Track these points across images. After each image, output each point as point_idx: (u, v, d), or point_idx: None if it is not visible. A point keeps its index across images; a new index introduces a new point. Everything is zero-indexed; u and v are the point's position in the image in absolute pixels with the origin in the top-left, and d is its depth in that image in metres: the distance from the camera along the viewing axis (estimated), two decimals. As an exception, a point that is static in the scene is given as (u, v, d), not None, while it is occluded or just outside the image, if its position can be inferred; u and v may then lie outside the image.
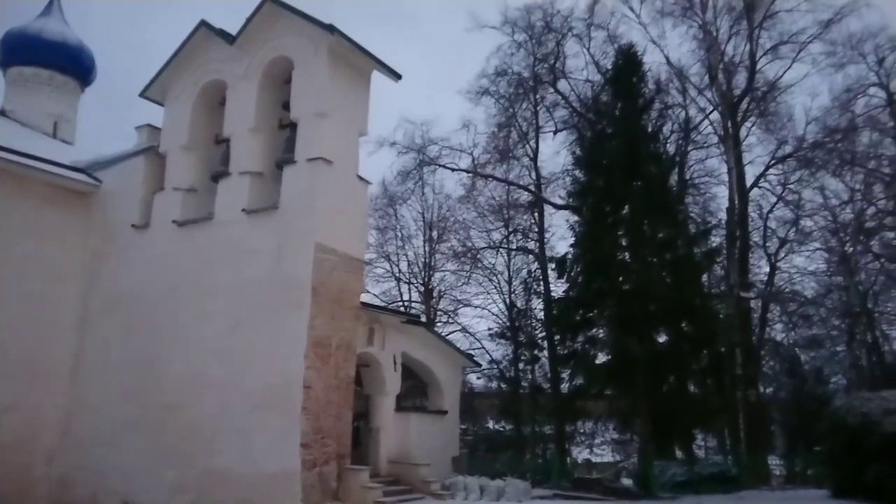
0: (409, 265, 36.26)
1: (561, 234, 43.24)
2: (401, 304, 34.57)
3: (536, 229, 31.54)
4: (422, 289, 35.64)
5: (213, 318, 14.48)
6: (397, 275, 36.13)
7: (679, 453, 25.02)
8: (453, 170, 31.97)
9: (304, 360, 13.21)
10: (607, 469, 28.33)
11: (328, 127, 14.57)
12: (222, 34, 16.24)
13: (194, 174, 16.57)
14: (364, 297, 17.23)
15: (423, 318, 28.88)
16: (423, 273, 35.70)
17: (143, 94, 17.41)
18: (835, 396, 25.55)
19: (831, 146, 30.31)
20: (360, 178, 15.48)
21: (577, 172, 22.98)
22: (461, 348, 23.79)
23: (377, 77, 15.98)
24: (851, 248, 34.13)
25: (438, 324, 33.93)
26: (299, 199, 14.25)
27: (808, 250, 33.53)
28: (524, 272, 32.71)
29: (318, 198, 14.15)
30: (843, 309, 33.64)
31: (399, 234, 36.37)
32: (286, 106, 15.41)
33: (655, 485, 18.69)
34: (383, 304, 31.22)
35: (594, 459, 31.01)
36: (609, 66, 25.28)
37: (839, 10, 28.64)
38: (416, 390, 20.34)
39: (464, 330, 33.84)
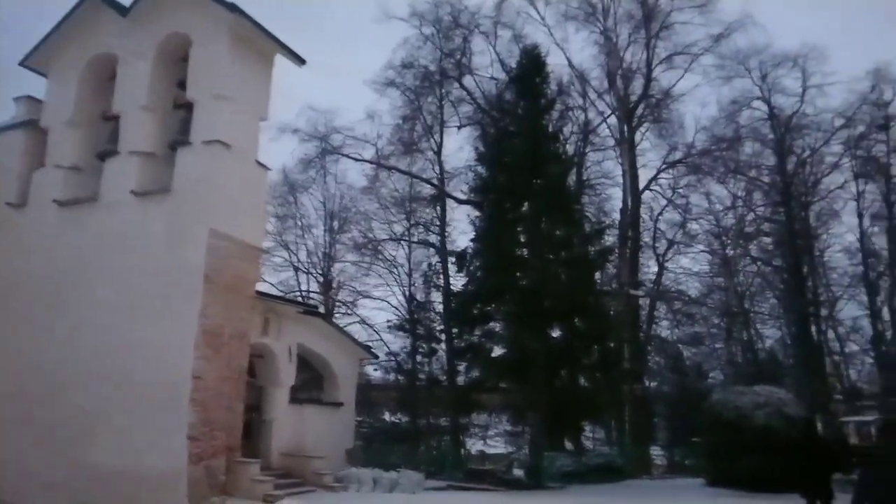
0: (308, 255, 35.76)
1: (462, 229, 43.57)
2: (299, 294, 33.99)
3: (438, 223, 31.79)
4: (321, 279, 35.18)
5: (100, 305, 13.67)
6: (296, 264, 35.57)
7: (569, 445, 25.87)
8: (357, 160, 31.76)
9: (194, 351, 12.71)
10: (501, 460, 28.85)
11: (227, 110, 14.03)
12: (114, 5, 15.36)
13: (79, 152, 15.59)
14: (260, 287, 16.78)
15: (322, 309, 28.50)
16: (322, 263, 35.28)
17: (23, 63, 16.22)
18: (713, 391, 27.10)
19: (717, 154, 32.13)
20: (260, 164, 15.03)
21: (479, 168, 23.25)
22: (359, 340, 23.63)
23: (281, 62, 15.58)
24: (732, 252, 36.32)
25: (337, 315, 33.60)
26: (194, 182, 13.68)
27: (693, 252, 35.45)
28: (425, 265, 32.95)
29: (214, 182, 13.64)
30: (723, 308, 35.74)
31: (299, 223, 35.82)
32: (182, 85, 14.74)
33: (545, 475, 19.22)
34: (280, 293, 30.54)
35: (488, 451, 31.54)
36: (514, 65, 25.71)
37: (728, 26, 30.37)
38: (313, 382, 20.02)
39: (363, 321, 33.73)
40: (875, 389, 35.58)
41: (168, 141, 14.85)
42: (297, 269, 35.46)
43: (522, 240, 21.42)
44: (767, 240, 36.04)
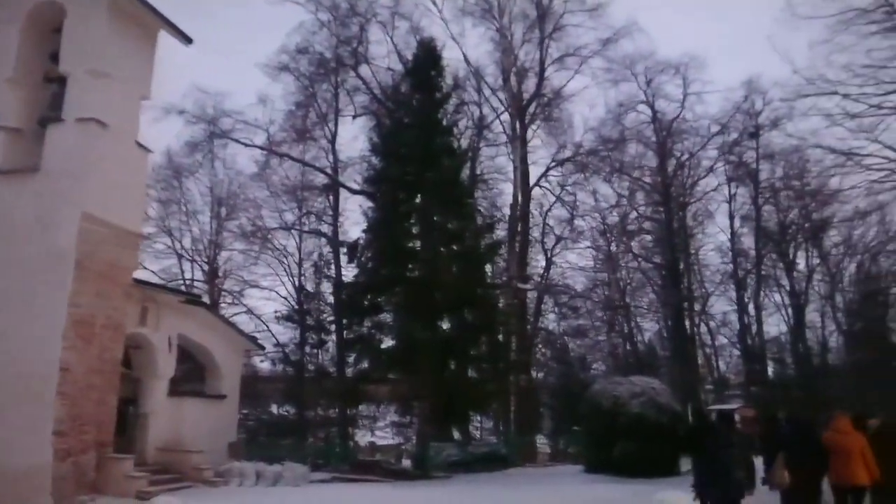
0: (193, 242, 34.40)
1: (355, 220, 43.50)
2: (182, 282, 32.65)
3: (331, 213, 31.35)
4: (206, 267, 33.95)
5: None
6: (179, 251, 34.14)
7: (458, 435, 26.24)
8: (247, 145, 30.73)
9: (62, 341, 11.97)
10: (391, 451, 28.95)
11: (104, 86, 13.24)
12: (-22, -34, 14.15)
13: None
14: (139, 274, 15.99)
15: (206, 299, 27.52)
16: (208, 251, 34.04)
17: None
18: (595, 381, 28.25)
19: (604, 154, 33.36)
20: (140, 145, 14.31)
21: (373, 159, 23.08)
22: (246, 331, 23.00)
23: (167, 40, 14.87)
24: (615, 248, 37.95)
25: (223, 305, 32.56)
26: (66, 162, 12.83)
27: (579, 248, 36.75)
28: (315, 255, 32.41)
29: (88, 162, 12.86)
30: (606, 302, 37.30)
31: (184, 209, 34.37)
32: (55, 58, 13.78)
33: (431, 465, 19.44)
34: (162, 281, 29.27)
35: (379, 442, 31.54)
36: (410, 57, 25.68)
37: (617, 31, 31.58)
38: (195, 374, 19.31)
39: (250, 312, 32.78)
40: (741, 380, 38.21)
41: (38, 116, 13.87)
42: (180, 257, 34.09)
43: (415, 232, 21.51)
44: (648, 237, 37.90)
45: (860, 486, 8.27)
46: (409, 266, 20.59)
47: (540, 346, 35.87)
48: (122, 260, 13.46)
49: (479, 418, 30.55)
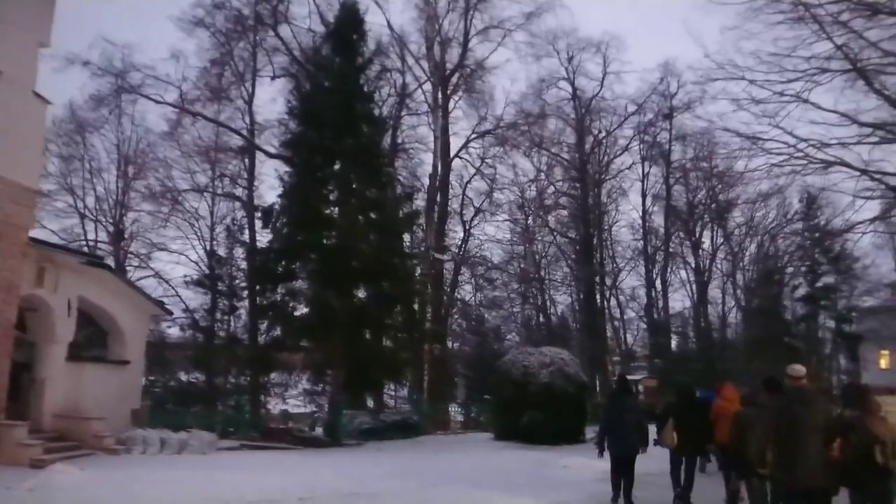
0: (97, 201, 32.80)
1: (271, 184, 42.38)
2: (84, 243, 31.12)
3: (246, 176, 30.47)
4: (111, 228, 32.49)
5: None
6: (82, 211, 32.47)
7: (371, 403, 26.31)
8: (157, 102, 29.29)
9: (-52, 302, 11.25)
10: (305, 420, 28.75)
11: (-3, 30, 12.34)
12: None
13: None
14: (37, 233, 15.15)
15: (111, 261, 26.40)
16: (113, 211, 32.55)
17: None
18: (509, 352, 28.86)
19: (524, 128, 33.70)
20: (38, 96, 13.43)
21: (291, 123, 22.48)
22: (153, 295, 22.22)
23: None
24: (532, 222, 38.64)
25: (129, 268, 31.27)
26: (-47, 110, 11.94)
27: (497, 220, 37.14)
28: (229, 219, 31.48)
29: (-21, 112, 12.00)
30: (521, 275, 38.01)
31: (88, 166, 32.65)
32: (-60, -4, 12.72)
33: (343, 433, 19.46)
34: (63, 241, 27.80)
35: (293, 410, 31.23)
36: (332, 20, 25.05)
37: (540, 6, 31.75)
38: (98, 339, 18.51)
39: (157, 276, 31.56)
40: (646, 352, 39.85)
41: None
42: (83, 217, 32.43)
43: (332, 199, 21.23)
44: (564, 212, 38.76)
45: None
46: (326, 233, 20.36)
47: (456, 316, 36.27)
48: (16, 217, 12.67)
49: (393, 387, 30.67)
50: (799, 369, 6.32)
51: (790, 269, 38.37)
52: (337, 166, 20.98)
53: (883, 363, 35.76)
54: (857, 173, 12.86)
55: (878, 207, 15.51)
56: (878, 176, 12.64)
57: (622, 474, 9.11)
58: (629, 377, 14.68)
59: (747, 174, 16.12)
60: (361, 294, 21.06)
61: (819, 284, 36.53)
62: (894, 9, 11.92)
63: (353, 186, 20.91)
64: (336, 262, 19.34)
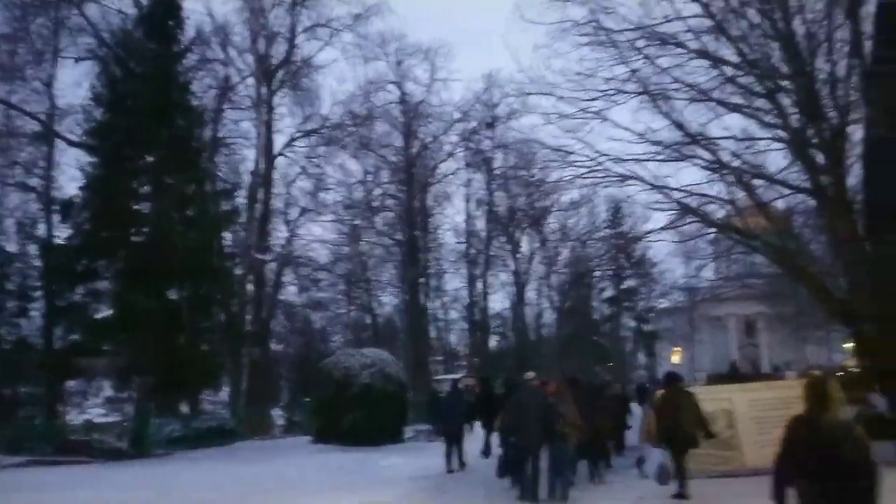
0: None
1: (72, 175, 38.73)
2: None
3: (42, 165, 27.68)
4: None
5: None
6: None
7: (186, 409, 24.86)
8: (-68, 77, 25.84)
9: None
10: (112, 430, 26.59)
11: None
12: None
13: None
14: None
15: None
16: None
17: None
18: (335, 353, 28.55)
19: (351, 129, 33.55)
20: None
21: (97, 110, 20.74)
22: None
23: None
24: (359, 223, 38.58)
25: None
26: None
27: (324, 221, 36.61)
28: (20, 212, 28.45)
29: None
30: (347, 276, 37.85)
31: None
32: None
33: (150, 443, 18.21)
34: None
35: (98, 420, 28.79)
36: (146, 2, 23.46)
37: (368, 9, 31.72)
38: None
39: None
40: (468, 351, 41.28)
41: None
42: None
43: (142, 192, 19.91)
44: (391, 214, 39.09)
45: None
46: (134, 229, 19.05)
47: (281, 317, 35.33)
48: None
49: (212, 392, 29.27)
50: (529, 374, 10.23)
51: (598, 273, 41.35)
52: (150, 158, 19.69)
53: (675, 358, 39.81)
54: (649, 187, 13.99)
55: (667, 217, 17.06)
56: (665, 190, 13.81)
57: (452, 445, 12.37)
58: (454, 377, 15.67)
59: (558, 184, 16.98)
60: (175, 295, 19.89)
61: (623, 287, 39.76)
62: (680, 41, 13.14)
63: (167, 180, 19.73)
64: (145, 260, 18.13)
